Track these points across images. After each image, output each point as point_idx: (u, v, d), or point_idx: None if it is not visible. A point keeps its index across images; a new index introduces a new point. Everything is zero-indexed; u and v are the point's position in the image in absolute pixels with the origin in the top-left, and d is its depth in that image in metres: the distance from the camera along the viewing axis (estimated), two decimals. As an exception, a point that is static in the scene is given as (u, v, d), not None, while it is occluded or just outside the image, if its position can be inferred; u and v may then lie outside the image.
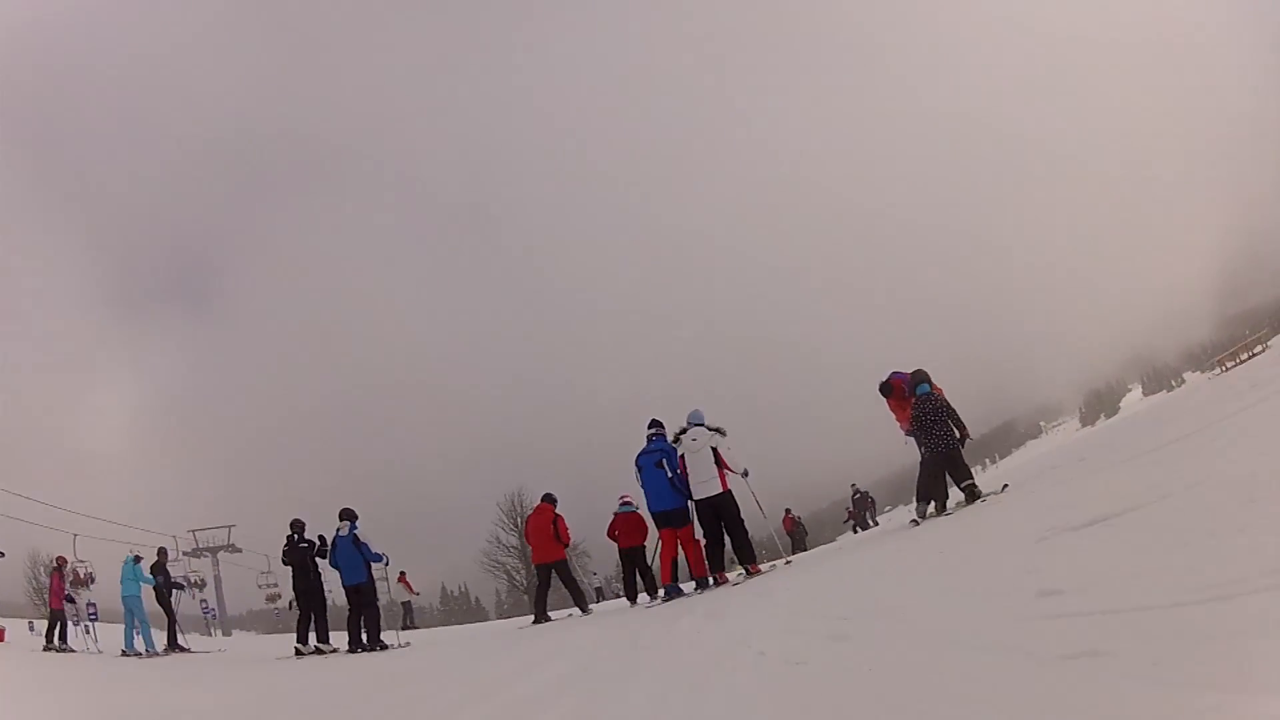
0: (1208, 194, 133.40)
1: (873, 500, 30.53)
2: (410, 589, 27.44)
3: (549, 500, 14.33)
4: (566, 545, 14.07)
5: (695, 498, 10.68)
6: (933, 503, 10.59)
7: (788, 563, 12.49)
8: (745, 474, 11.06)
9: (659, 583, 11.96)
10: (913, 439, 10.87)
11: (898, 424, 11.48)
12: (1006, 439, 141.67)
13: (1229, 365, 33.05)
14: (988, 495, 10.11)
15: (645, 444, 11.31)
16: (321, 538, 13.47)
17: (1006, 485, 10.68)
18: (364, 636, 13.09)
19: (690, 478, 10.67)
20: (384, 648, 13.26)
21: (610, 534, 13.77)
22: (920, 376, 10.92)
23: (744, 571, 10.86)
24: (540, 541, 13.96)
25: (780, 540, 16.32)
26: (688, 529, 11.06)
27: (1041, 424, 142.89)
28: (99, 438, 77.39)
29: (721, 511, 10.61)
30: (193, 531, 36.65)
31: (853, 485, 30.39)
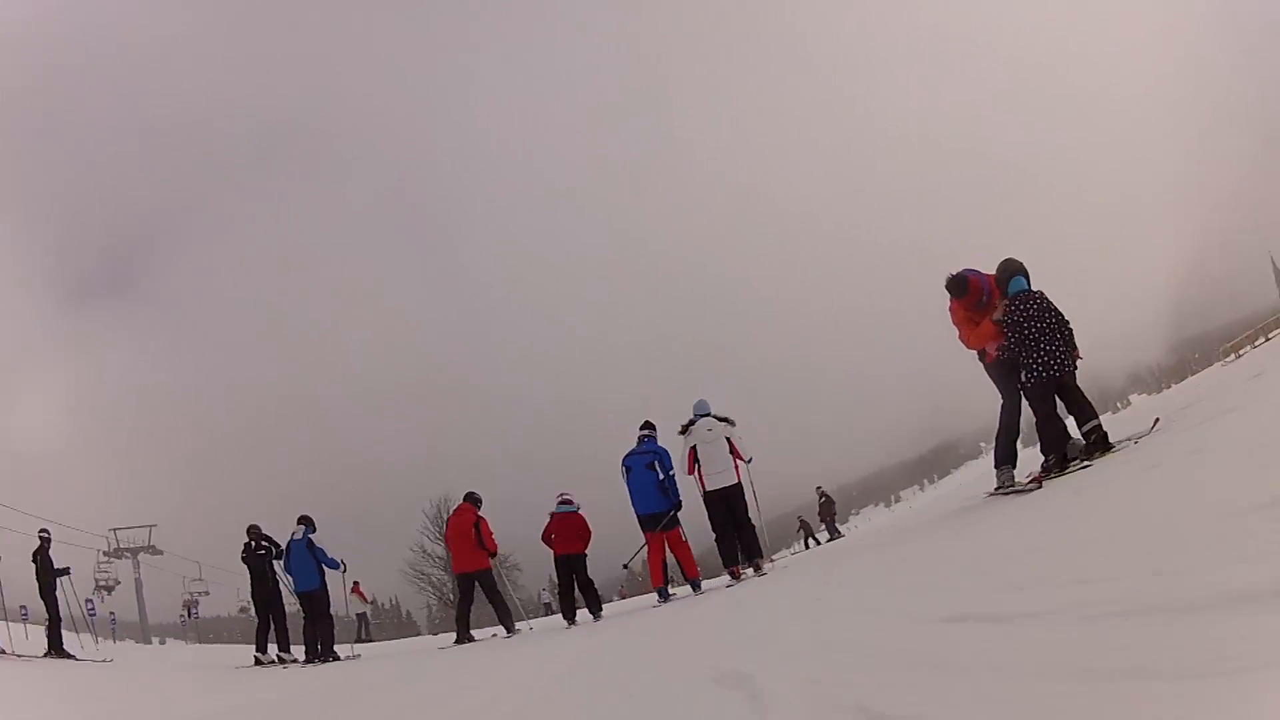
0: (1163, 218, 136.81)
1: (832, 504, 29.07)
2: (364, 599, 26.76)
3: (472, 501, 12.80)
4: (492, 553, 12.55)
5: (708, 488, 10.25)
6: (1049, 457, 7.62)
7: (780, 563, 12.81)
8: (750, 460, 10.67)
9: (657, 585, 11.34)
10: (996, 370, 8.06)
11: (966, 345, 8.32)
12: (946, 459, 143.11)
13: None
14: (1123, 443, 7.39)
15: (636, 444, 10.98)
16: (275, 543, 13.06)
17: (1158, 420, 8.05)
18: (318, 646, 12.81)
19: (704, 468, 10.25)
20: (336, 659, 12.85)
21: (545, 538, 11.69)
22: (1014, 267, 7.89)
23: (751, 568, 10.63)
24: (461, 547, 12.49)
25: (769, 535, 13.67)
26: (677, 531, 10.83)
27: (982, 445, 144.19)
28: (22, 432, 73.57)
29: (734, 503, 10.32)
30: (113, 530, 34.33)
31: (818, 488, 29.06)
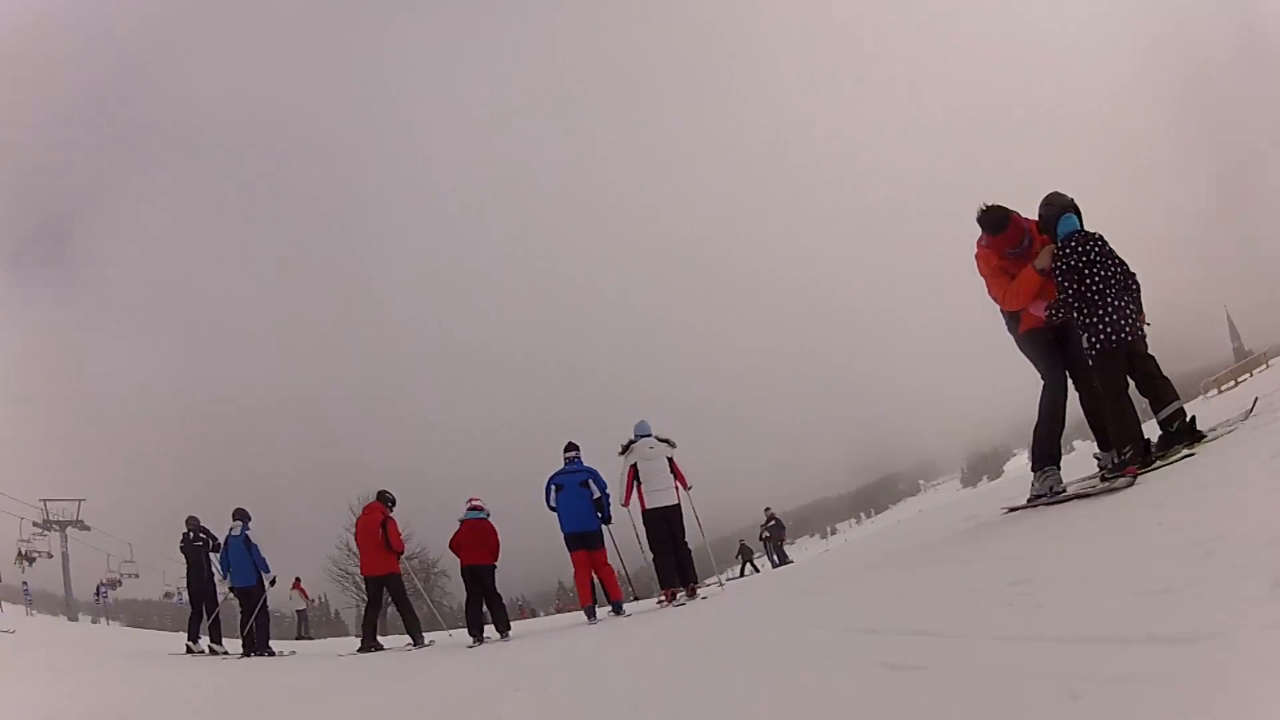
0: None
1: (781, 528, 27.46)
2: (305, 595, 26.68)
3: (382, 499, 12.19)
4: (399, 555, 12.10)
5: (649, 506, 10.41)
6: (1123, 452, 5.54)
7: (721, 586, 12.56)
8: (690, 488, 10.86)
9: (586, 604, 10.89)
10: (1035, 340, 6.25)
11: (1001, 304, 6.30)
12: (885, 494, 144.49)
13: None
14: (1219, 430, 5.95)
15: (564, 464, 10.98)
16: (213, 536, 13.18)
17: (1257, 400, 6.90)
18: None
19: (645, 486, 10.42)
20: (271, 654, 12.71)
21: (453, 546, 11.13)
22: (1063, 202, 6.08)
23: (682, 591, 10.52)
24: (368, 548, 11.95)
25: (714, 555, 14.09)
26: (603, 552, 10.87)
27: (921, 482, 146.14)
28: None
29: (673, 524, 10.41)
30: (43, 501, 33.39)
31: (767, 509, 27.12)
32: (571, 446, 11.10)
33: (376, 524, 11.78)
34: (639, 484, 10.50)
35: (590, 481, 10.73)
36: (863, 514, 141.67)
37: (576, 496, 10.67)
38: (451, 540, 11.20)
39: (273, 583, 13.28)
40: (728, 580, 28.75)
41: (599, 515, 10.82)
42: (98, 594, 33.38)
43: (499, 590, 11.22)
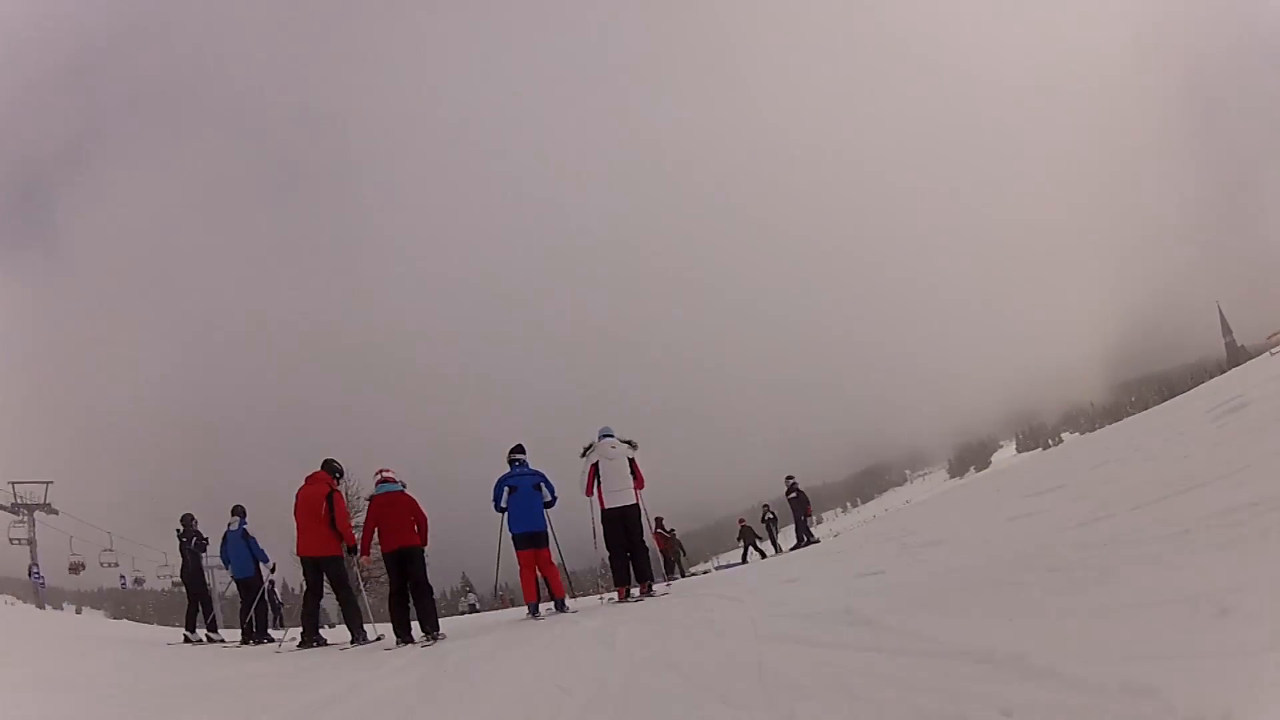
0: (1105, 265, 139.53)
1: (805, 501, 24.89)
2: None
3: (328, 469, 10.71)
4: (348, 546, 10.46)
5: (607, 506, 10.54)
6: None
7: (668, 585, 12.59)
8: (642, 487, 10.94)
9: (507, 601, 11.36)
10: None
11: None
12: (872, 484, 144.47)
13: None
14: None
15: (511, 468, 10.86)
16: (204, 536, 13.77)
17: None
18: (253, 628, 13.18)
19: (604, 485, 10.57)
20: (270, 641, 12.93)
21: (369, 528, 9.74)
22: None
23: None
24: (307, 525, 10.29)
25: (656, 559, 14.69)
26: (548, 551, 10.78)
27: (907, 472, 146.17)
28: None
29: (630, 523, 10.53)
30: (11, 484, 32.55)
31: (789, 478, 24.61)
32: (519, 449, 11.07)
33: (321, 497, 10.27)
34: (599, 483, 10.62)
35: (543, 484, 10.75)
36: (848, 503, 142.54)
37: (529, 498, 10.64)
38: (366, 521, 9.77)
39: (273, 569, 13.89)
40: (725, 566, 27.65)
41: (546, 516, 10.83)
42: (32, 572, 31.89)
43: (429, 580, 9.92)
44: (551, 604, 10.86)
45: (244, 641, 12.87)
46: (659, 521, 23.51)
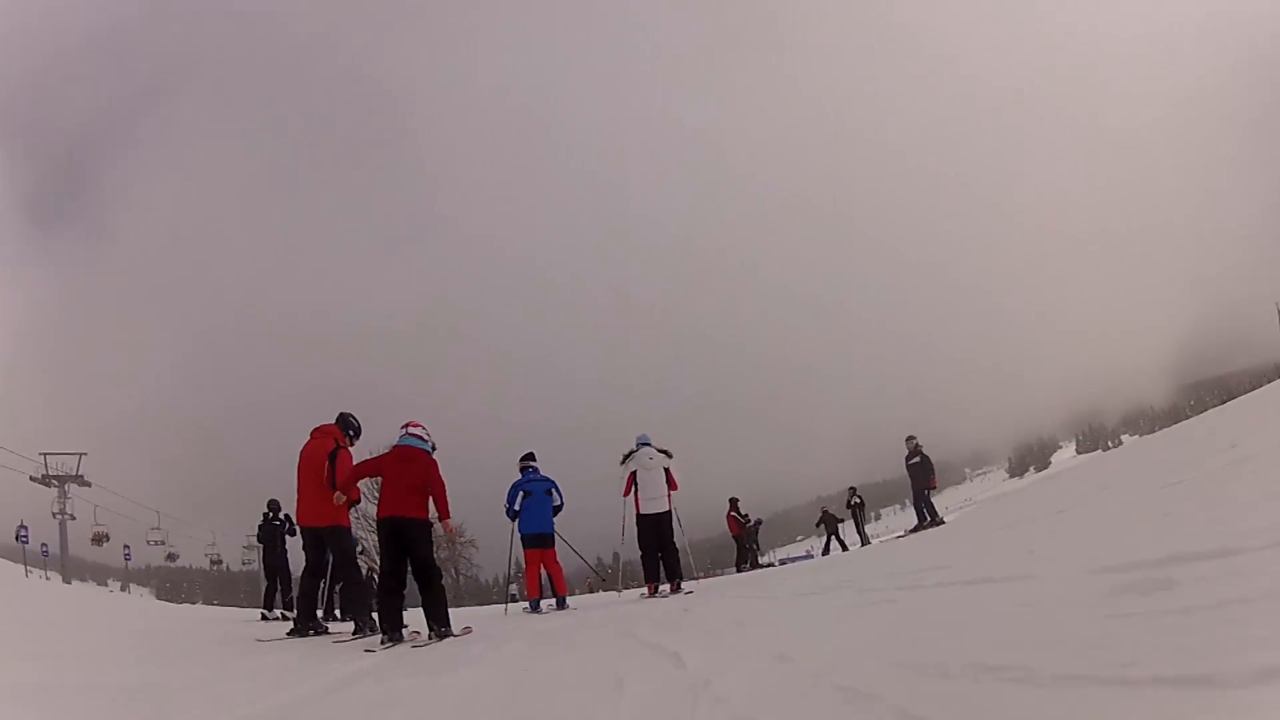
0: (1170, 265, 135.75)
1: (863, 506, 24.16)
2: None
3: (343, 424, 9.17)
4: (349, 501, 8.66)
5: (642, 513, 11.15)
6: None
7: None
8: (675, 489, 11.50)
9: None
10: None
11: None
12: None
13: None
14: None
15: (523, 474, 11.54)
16: (290, 518, 13.46)
17: None
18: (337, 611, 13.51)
19: (641, 493, 11.18)
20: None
21: (363, 470, 8.37)
22: None
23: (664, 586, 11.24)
24: (308, 486, 8.71)
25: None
26: (554, 551, 11.50)
27: (967, 470, 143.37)
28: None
29: (663, 529, 11.15)
30: (43, 455, 31.73)
31: (851, 488, 24.18)
32: (531, 456, 11.70)
33: (323, 454, 8.68)
34: (636, 490, 11.23)
35: (554, 490, 11.51)
36: (906, 500, 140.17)
37: (541, 503, 11.35)
38: (366, 465, 8.34)
39: (362, 551, 14.02)
40: (794, 559, 25.81)
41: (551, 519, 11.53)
42: (18, 537, 31.13)
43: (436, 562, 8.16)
44: (554, 600, 11.65)
45: (324, 618, 13.24)
46: (734, 503, 22.55)
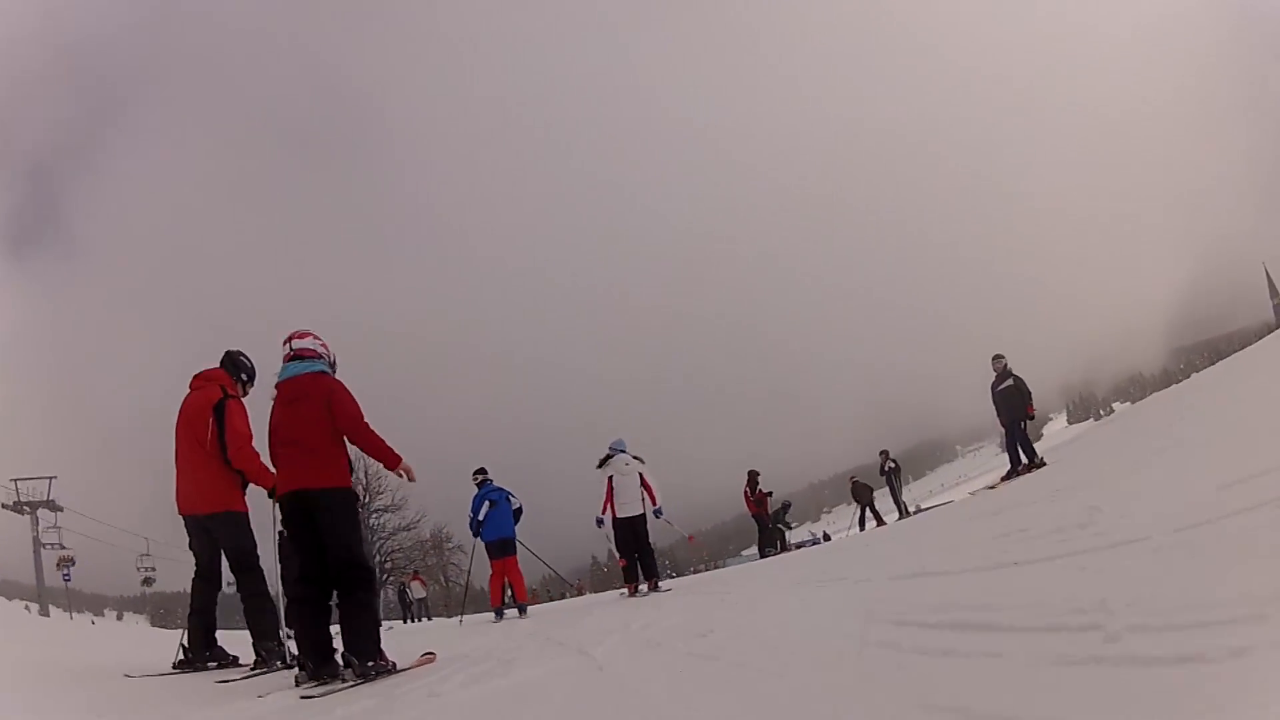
0: (1162, 230, 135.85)
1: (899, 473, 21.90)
2: (424, 585, 30.47)
3: (230, 366, 6.57)
4: (243, 473, 6.21)
5: (619, 516, 11.37)
6: None
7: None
8: (659, 513, 11.65)
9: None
10: None
11: None
12: (923, 460, 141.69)
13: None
14: None
15: (479, 486, 12.11)
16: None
17: None
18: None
19: (618, 498, 11.40)
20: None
21: (271, 440, 5.46)
22: None
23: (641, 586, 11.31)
24: (188, 457, 6.26)
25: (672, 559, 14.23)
26: (514, 558, 12.06)
27: (958, 447, 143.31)
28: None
29: (639, 531, 11.39)
30: (14, 481, 30.73)
31: (883, 452, 21.85)
32: (483, 470, 12.27)
33: (207, 408, 6.21)
34: (613, 495, 11.44)
35: (510, 497, 12.09)
36: (927, 470, 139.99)
37: (504, 511, 11.97)
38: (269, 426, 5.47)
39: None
40: (807, 543, 24.25)
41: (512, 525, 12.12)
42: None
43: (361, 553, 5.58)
44: (515, 608, 12.09)
45: None
46: (752, 478, 19.72)
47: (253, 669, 6.06)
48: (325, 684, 4.97)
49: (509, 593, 12.04)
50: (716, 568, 44.93)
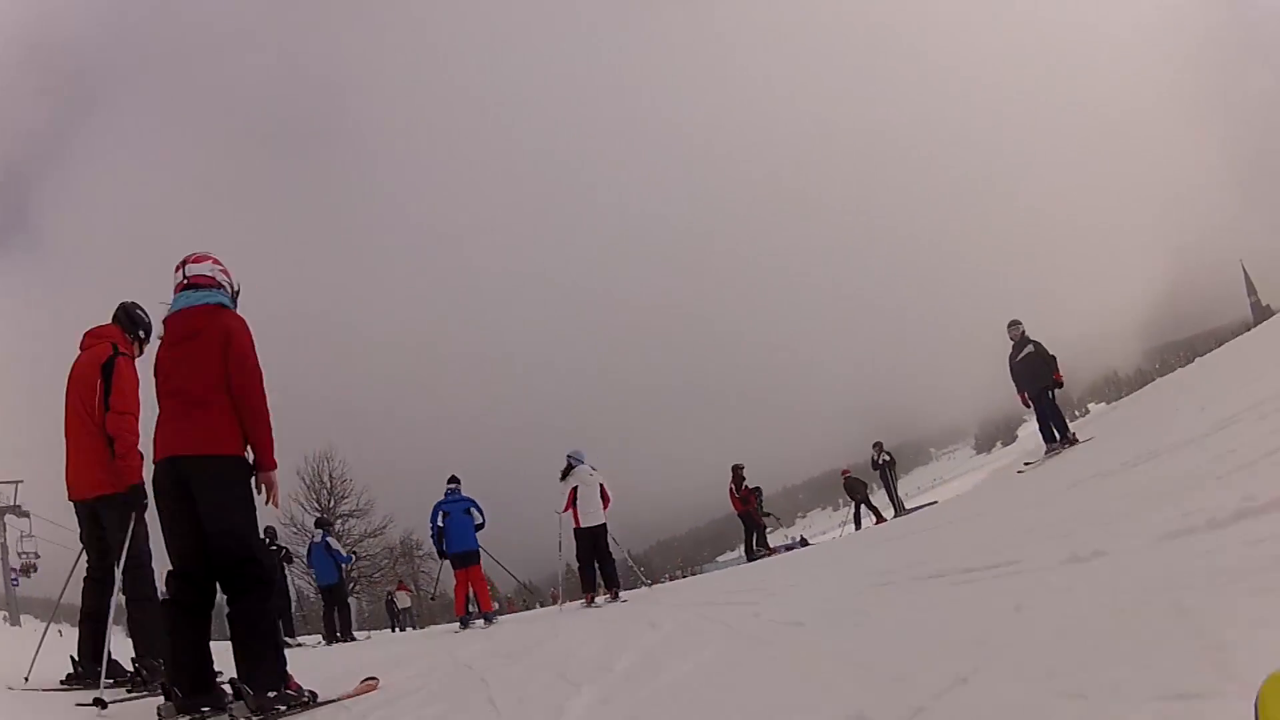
0: (1136, 230, 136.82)
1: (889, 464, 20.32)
2: (409, 593, 30.83)
3: (125, 321, 5.69)
4: (119, 444, 5.18)
5: (581, 525, 11.59)
6: None
7: (649, 586, 14.05)
8: (607, 507, 11.79)
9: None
10: None
11: None
12: (899, 464, 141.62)
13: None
14: None
15: (445, 495, 12.21)
16: (287, 548, 15.85)
17: None
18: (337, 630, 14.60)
19: (580, 507, 11.60)
20: (353, 640, 14.49)
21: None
22: None
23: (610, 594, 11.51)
24: (77, 431, 5.41)
25: (640, 570, 14.94)
26: (479, 568, 12.23)
27: (933, 450, 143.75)
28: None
29: (599, 540, 11.61)
30: (-22, 486, 29.94)
31: (877, 444, 20.74)
32: (454, 479, 12.43)
33: (95, 368, 5.37)
34: (576, 505, 11.63)
35: (473, 509, 12.16)
36: (873, 484, 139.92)
37: (462, 521, 12.00)
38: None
39: (353, 560, 16.57)
40: (792, 545, 22.52)
41: (475, 537, 12.15)
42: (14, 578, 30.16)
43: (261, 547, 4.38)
44: (480, 618, 11.94)
45: (328, 642, 14.22)
46: (737, 472, 18.24)
47: (130, 690, 5.23)
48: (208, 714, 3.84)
49: (474, 603, 12.03)
50: (692, 573, 44.39)
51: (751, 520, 18.07)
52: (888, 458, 20.26)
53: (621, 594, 11.72)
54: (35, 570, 30.30)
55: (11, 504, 29.97)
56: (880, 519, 18.94)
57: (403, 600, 29.11)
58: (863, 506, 19.98)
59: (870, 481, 21.60)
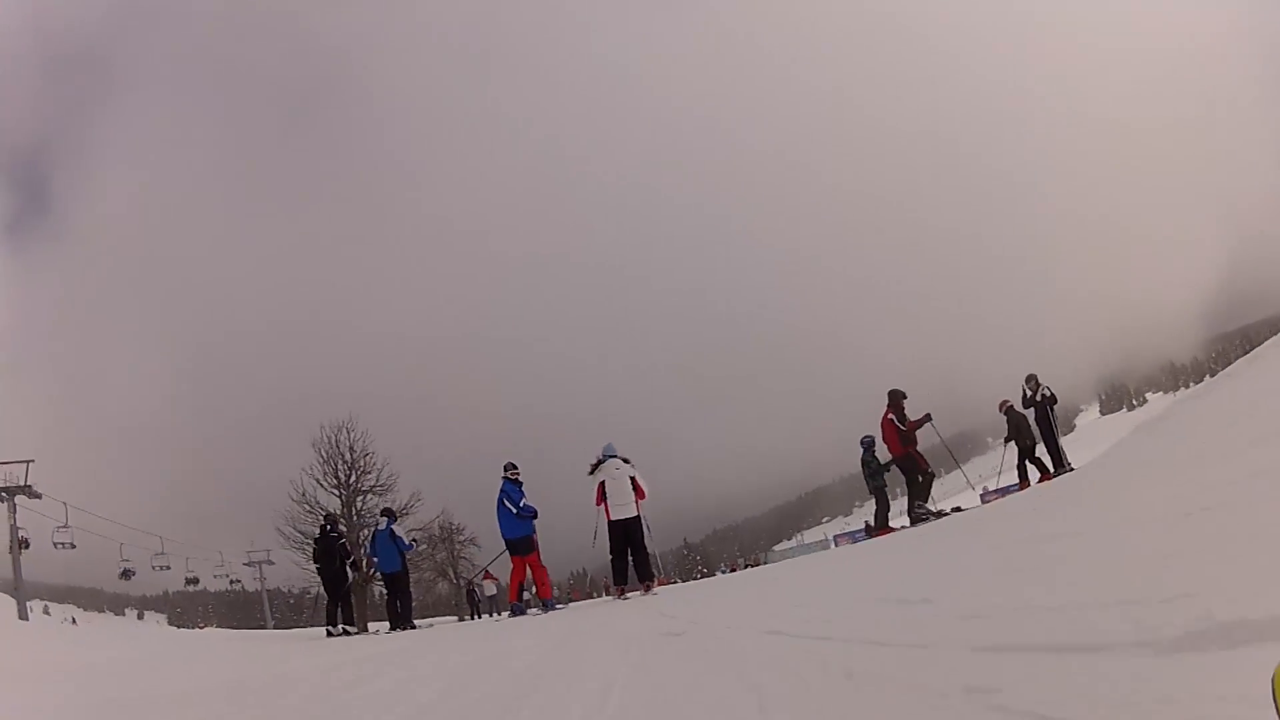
0: (1203, 220, 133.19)
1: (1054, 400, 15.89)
2: (495, 581, 30.63)
3: None
4: None
5: (613, 518, 11.67)
6: None
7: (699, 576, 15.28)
8: (644, 498, 12.02)
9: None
10: None
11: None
12: (959, 452, 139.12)
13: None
14: None
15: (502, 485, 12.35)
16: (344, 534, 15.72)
17: None
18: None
19: (610, 501, 11.70)
20: (414, 628, 14.50)
21: None
22: None
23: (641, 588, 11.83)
24: None
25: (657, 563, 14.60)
26: (536, 554, 12.32)
27: (990, 440, 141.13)
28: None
29: (631, 533, 11.71)
30: (-12, 463, 29.15)
31: (1030, 376, 16.15)
32: (507, 466, 12.51)
33: None
34: (606, 498, 11.75)
35: (505, 500, 12.18)
36: (898, 490, 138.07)
37: (500, 510, 12.24)
38: None
39: (411, 548, 16.28)
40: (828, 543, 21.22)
41: (525, 523, 12.30)
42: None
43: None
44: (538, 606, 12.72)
45: (392, 629, 14.70)
46: (895, 399, 14.11)
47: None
48: None
49: (530, 590, 12.34)
50: (753, 564, 42.82)
51: (915, 466, 13.93)
52: (1047, 393, 15.79)
53: (655, 588, 12.03)
54: (27, 545, 29.37)
55: (23, 484, 29.14)
56: (1045, 474, 15.26)
57: (488, 589, 30.13)
58: (1026, 462, 16.03)
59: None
